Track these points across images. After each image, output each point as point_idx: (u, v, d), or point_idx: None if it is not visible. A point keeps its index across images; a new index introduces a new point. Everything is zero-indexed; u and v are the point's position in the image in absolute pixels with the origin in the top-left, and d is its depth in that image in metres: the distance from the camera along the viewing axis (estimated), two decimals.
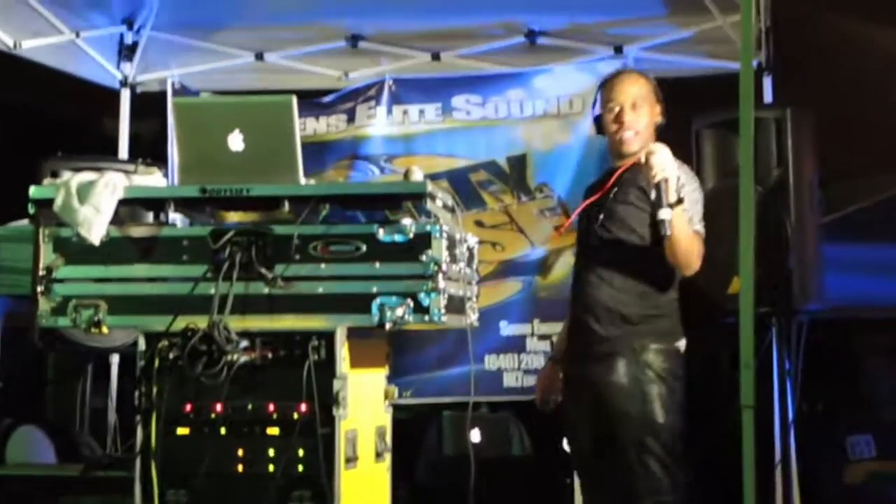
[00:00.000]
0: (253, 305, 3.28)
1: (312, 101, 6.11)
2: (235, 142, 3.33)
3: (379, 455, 3.53)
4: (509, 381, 5.78)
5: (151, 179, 3.62)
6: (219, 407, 3.25)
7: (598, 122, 3.96)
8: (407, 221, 3.27)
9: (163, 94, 6.16)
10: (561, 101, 5.84)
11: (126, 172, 3.60)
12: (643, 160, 3.66)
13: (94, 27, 6.18)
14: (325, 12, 6.08)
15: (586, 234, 3.95)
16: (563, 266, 5.55)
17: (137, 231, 3.41)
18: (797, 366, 5.09)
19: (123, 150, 6.31)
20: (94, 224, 3.36)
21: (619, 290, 3.81)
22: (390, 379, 3.67)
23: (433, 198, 3.34)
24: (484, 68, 6.19)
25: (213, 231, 3.33)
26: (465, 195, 5.85)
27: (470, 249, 3.59)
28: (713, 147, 5.09)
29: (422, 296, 3.23)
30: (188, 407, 3.27)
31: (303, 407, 3.21)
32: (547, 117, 5.83)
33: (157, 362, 3.28)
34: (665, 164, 3.61)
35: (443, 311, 3.24)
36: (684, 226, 3.69)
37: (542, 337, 5.63)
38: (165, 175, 4.82)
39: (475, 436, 5.92)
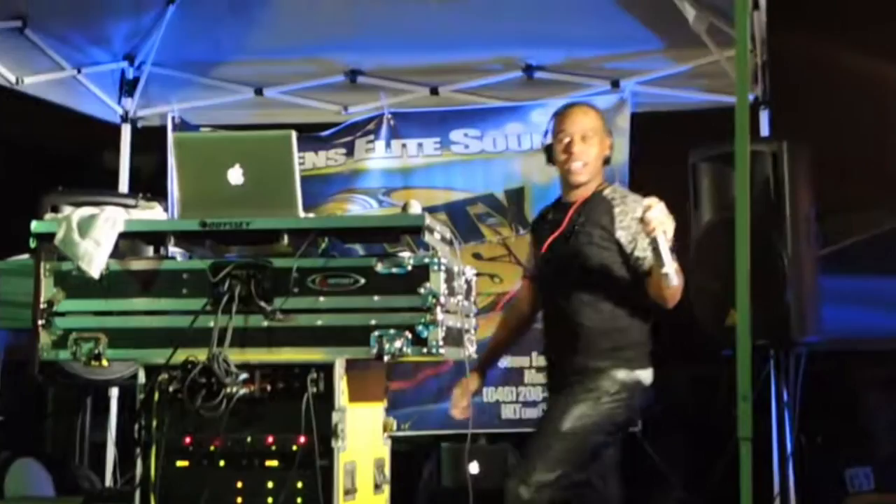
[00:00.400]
0: (252, 338, 3.29)
1: (311, 135, 6.15)
2: (235, 176, 3.35)
3: (378, 487, 3.53)
4: (507, 412, 5.80)
5: (152, 213, 3.64)
6: (218, 440, 3.26)
7: (549, 151, 4.02)
8: (405, 254, 3.29)
9: (163, 129, 6.21)
10: None
11: (126, 206, 3.62)
12: (639, 215, 3.70)
13: (96, 63, 6.23)
14: (324, 47, 6.13)
15: (548, 267, 3.97)
16: None
17: (137, 265, 3.43)
18: (795, 398, 5.09)
19: (124, 185, 6.34)
20: (95, 258, 3.38)
21: (586, 323, 3.83)
22: (388, 411, 3.68)
23: (431, 231, 3.36)
24: (482, 102, 6.23)
25: (213, 264, 3.35)
26: (464, 228, 5.88)
27: (468, 282, 3.60)
28: (710, 180, 5.12)
29: (420, 328, 3.24)
30: (187, 440, 3.28)
31: (301, 439, 3.22)
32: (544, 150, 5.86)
33: (156, 395, 3.29)
34: (662, 219, 3.66)
35: (441, 343, 3.25)
36: (679, 271, 3.73)
37: (540, 369, 5.64)
38: (166, 209, 4.85)
39: (473, 467, 5.91)
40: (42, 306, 3.42)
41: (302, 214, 3.37)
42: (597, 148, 3.95)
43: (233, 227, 3.35)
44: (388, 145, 6.12)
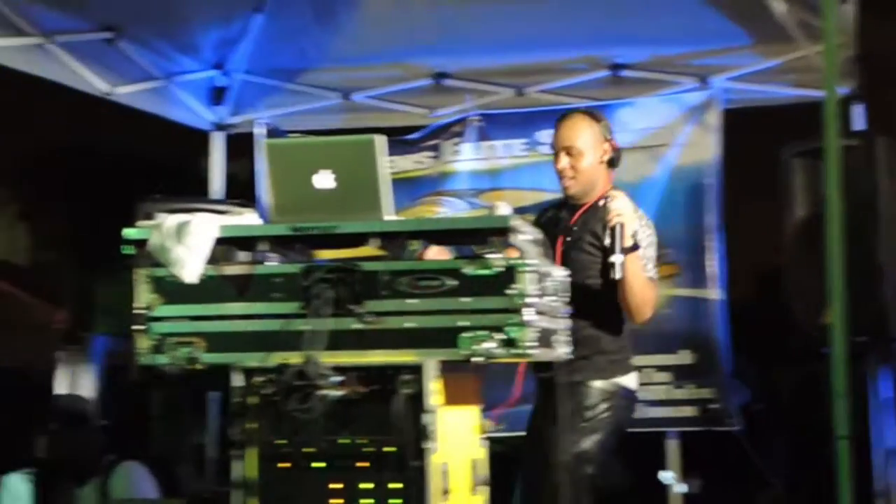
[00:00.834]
0: (343, 341, 3.32)
1: (399, 138, 6.18)
2: (324, 180, 3.40)
3: (475, 488, 3.53)
4: None
5: (246, 219, 3.69)
6: (313, 441, 3.30)
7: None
8: (493, 255, 3.30)
9: (252, 136, 6.29)
10: (646, 134, 5.84)
11: (219, 213, 3.68)
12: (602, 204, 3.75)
13: (186, 72, 6.34)
14: (410, 52, 6.16)
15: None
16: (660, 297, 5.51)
17: (231, 270, 3.48)
18: None
19: (216, 191, 6.44)
20: (188, 263, 3.44)
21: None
22: (484, 412, 3.69)
23: (518, 231, 3.36)
24: (567, 102, 6.21)
25: (305, 268, 3.40)
26: None
27: (559, 282, 3.60)
28: (802, 176, 5.06)
29: (509, 329, 3.25)
30: (283, 441, 3.32)
31: (394, 440, 3.25)
32: (632, 150, 5.79)
33: (252, 398, 3.34)
34: (623, 210, 3.71)
35: (531, 344, 3.26)
36: (638, 271, 3.83)
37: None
38: (261, 215, 4.92)
39: None
40: (139, 312, 3.49)
41: (391, 217, 3.40)
42: (587, 157, 4.02)
43: (322, 231, 3.39)
44: (475, 147, 6.13)
